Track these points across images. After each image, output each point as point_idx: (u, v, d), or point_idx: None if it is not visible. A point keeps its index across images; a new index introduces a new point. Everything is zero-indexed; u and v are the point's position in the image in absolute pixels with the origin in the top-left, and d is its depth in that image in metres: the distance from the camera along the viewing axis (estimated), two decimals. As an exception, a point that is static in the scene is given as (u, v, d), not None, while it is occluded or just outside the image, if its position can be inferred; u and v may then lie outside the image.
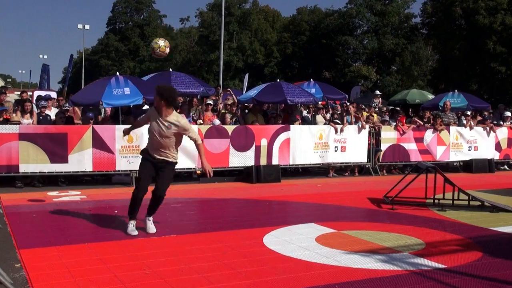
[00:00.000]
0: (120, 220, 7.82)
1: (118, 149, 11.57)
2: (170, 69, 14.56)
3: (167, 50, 6.80)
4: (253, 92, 14.29)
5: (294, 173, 14.68)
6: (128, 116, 12.74)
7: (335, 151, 14.01)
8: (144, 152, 6.80)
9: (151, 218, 7.04)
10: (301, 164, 13.73)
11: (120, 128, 11.59)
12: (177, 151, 6.81)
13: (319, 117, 15.07)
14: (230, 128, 12.75)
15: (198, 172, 13.02)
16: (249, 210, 9.01)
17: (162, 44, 7.09)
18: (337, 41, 50.55)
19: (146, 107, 14.70)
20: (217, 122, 12.99)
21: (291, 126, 13.50)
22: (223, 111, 14.48)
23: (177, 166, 11.90)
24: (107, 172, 11.79)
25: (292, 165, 13.64)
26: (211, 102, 14.08)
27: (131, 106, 13.01)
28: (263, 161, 12.96)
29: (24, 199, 9.47)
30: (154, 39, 6.94)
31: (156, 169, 6.69)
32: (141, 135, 11.59)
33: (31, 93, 18.70)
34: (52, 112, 13.33)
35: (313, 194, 10.85)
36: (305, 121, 15.06)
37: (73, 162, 11.25)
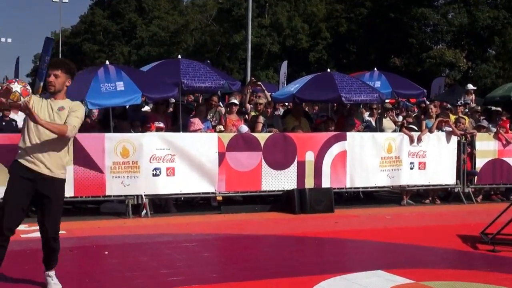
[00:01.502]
0: (114, 265, 7.83)
1: (109, 166, 11.69)
2: (179, 56, 14.70)
3: (21, 98, 6.03)
4: (293, 87, 14.35)
5: (353, 199, 14.68)
6: (122, 121, 12.89)
7: (411, 168, 13.94)
8: None
9: (52, 273, 6.67)
10: (362, 187, 13.68)
11: (111, 137, 11.75)
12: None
13: (387, 122, 15.00)
14: (262, 137, 12.81)
15: (219, 198, 13.09)
16: (291, 251, 8.99)
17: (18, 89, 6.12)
18: (410, 15, 50.31)
19: (146, 108, 14.95)
20: (244, 128, 13.06)
21: (348, 134, 13.49)
22: (252, 113, 14.53)
23: (190, 190, 12.54)
24: (94, 198, 11.90)
25: (350, 188, 13.58)
26: (236, 101, 14.17)
27: (127, 107, 13.18)
28: (309, 183, 12.96)
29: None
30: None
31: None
32: (140, 147, 11.74)
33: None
34: (19, 117, 13.56)
35: (380, 230, 10.81)
36: (367, 127, 15.02)
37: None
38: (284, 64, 23.76)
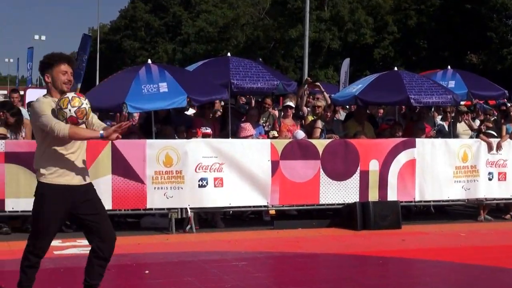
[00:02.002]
0: (155, 286, 7.92)
1: (150, 176, 11.79)
2: (229, 54, 14.76)
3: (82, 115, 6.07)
4: (356, 88, 14.30)
5: (423, 214, 14.54)
6: (166, 125, 13.02)
7: (489, 180, 13.76)
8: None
9: None
10: (434, 201, 13.55)
11: (153, 144, 11.89)
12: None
13: (461, 126, 14.84)
14: (321, 144, 12.79)
15: (272, 212, 13.10)
16: (352, 272, 8.95)
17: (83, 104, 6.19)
18: (489, 5, 49.69)
19: (191, 111, 15.06)
20: (301, 134, 13.05)
21: (417, 140, 13.38)
22: (309, 117, 14.52)
23: (239, 202, 12.61)
24: (134, 212, 12.04)
25: (419, 202, 13.47)
26: (291, 103, 14.18)
27: (170, 110, 13.32)
28: (373, 196, 12.91)
29: (10, 252, 9.62)
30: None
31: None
32: (184, 155, 11.85)
33: (22, 93, 19.36)
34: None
35: (453, 249, 10.69)
36: (439, 133, 14.87)
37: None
38: (346, 62, 23.59)
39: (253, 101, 16.28)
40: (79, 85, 20.87)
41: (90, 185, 6.59)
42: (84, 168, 6.53)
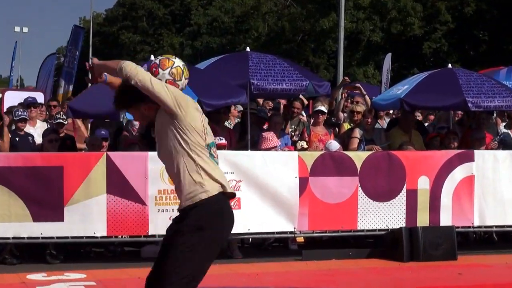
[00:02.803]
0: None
1: (153, 196, 11.81)
2: (248, 49, 14.79)
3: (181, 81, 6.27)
4: (402, 89, 14.27)
5: (483, 242, 14.46)
6: None
7: None
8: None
9: None
10: (496, 226, 13.47)
11: (156, 157, 11.80)
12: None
13: (530, 136, 14.77)
14: (359, 157, 12.76)
15: (300, 239, 13.07)
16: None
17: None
18: None
19: None
20: (335, 145, 13.07)
21: (476, 152, 13.32)
22: (346, 125, 14.49)
23: (260, 228, 12.50)
24: (133, 239, 12.07)
25: (479, 227, 13.38)
26: (323, 108, 14.15)
27: None
28: (423, 220, 12.87)
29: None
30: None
31: None
32: None
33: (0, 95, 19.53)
34: (36, 129, 13.89)
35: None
36: (503, 143, 14.77)
37: (72, 221, 11.55)
38: (387, 58, 23.59)
39: (282, 106, 16.15)
40: (70, 88, 21.02)
41: None
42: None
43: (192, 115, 5.90)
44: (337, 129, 14.45)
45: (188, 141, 5.83)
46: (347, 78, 17.60)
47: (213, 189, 5.85)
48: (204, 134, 5.95)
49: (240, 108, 14.90)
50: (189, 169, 5.85)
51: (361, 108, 14.50)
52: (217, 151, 6.15)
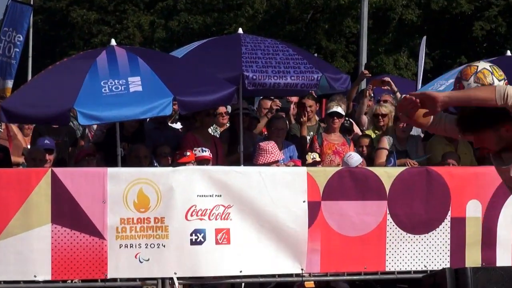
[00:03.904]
0: None
1: (114, 226, 11.73)
2: (240, 30, 14.82)
3: None
4: (445, 85, 14.22)
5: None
6: (138, 145, 12.99)
7: None
8: None
9: None
10: None
11: (119, 174, 11.84)
12: None
13: None
14: (388, 175, 12.68)
15: (310, 284, 12.92)
16: None
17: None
18: None
19: (177, 125, 14.98)
20: (356, 159, 13.15)
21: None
22: (370, 131, 14.41)
23: (257, 269, 12.19)
24: (87, 284, 11.92)
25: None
26: (339, 109, 14.03)
27: (146, 121, 13.56)
28: (474, 259, 12.85)
29: None
30: None
31: None
32: (168, 192, 11.77)
33: None
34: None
35: None
36: None
37: (5, 260, 11.44)
38: (423, 43, 23.35)
39: (292, 107, 16.00)
40: (9, 84, 20.87)
41: None
42: None
43: None
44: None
45: None
46: (366, 71, 17.48)
47: None
48: None
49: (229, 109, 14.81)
50: None
51: (388, 109, 14.57)
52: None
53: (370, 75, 15.94)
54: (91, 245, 11.62)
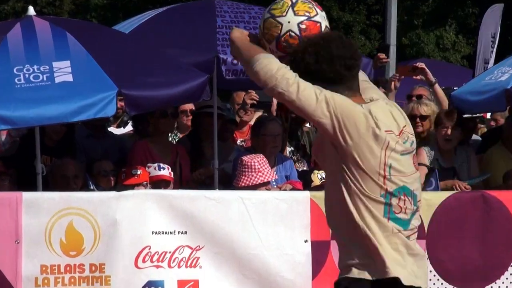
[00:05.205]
0: None
1: (31, 277, 11.52)
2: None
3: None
4: (509, 72, 13.72)
5: None
6: (66, 159, 12.86)
7: None
8: None
9: None
10: None
11: (38, 200, 11.59)
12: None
13: None
14: (428, 203, 12.44)
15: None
16: None
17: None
18: None
19: (123, 130, 14.60)
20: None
21: None
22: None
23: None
24: None
25: None
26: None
27: (77, 125, 13.36)
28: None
29: None
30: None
31: None
32: (111, 227, 11.59)
33: None
34: None
35: None
36: None
37: None
38: (493, 14, 23.02)
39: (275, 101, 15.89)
40: None
41: None
42: None
43: None
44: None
45: None
46: (383, 55, 17.23)
47: None
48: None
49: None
50: None
51: (430, 109, 14.35)
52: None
53: (389, 60, 15.60)
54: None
